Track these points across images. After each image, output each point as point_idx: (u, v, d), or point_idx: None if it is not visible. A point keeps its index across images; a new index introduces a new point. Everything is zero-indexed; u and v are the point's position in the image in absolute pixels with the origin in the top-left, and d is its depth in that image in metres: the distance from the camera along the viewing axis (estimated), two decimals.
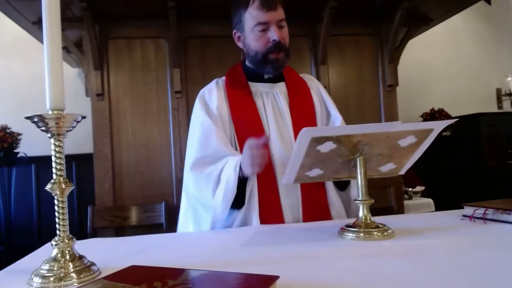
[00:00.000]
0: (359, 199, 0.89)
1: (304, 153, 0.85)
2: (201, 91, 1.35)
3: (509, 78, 4.45)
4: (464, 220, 0.97)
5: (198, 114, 1.29)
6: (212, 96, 1.30)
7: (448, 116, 3.81)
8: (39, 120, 0.64)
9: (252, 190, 1.17)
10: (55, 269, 0.63)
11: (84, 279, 0.62)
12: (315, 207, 1.21)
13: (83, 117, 0.68)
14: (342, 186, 1.27)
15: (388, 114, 2.92)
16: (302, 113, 1.29)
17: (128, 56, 2.69)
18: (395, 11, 2.71)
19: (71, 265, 0.64)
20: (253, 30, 1.22)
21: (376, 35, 2.96)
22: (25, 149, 3.24)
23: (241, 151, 1.18)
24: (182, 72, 2.69)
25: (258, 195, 1.17)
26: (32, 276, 0.63)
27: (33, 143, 3.23)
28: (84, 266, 0.65)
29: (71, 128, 0.67)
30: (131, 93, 2.67)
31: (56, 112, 0.65)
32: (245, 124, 1.24)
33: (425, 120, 3.81)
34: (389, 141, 0.87)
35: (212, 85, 1.34)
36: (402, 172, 1.00)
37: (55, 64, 0.66)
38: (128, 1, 2.42)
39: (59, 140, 0.66)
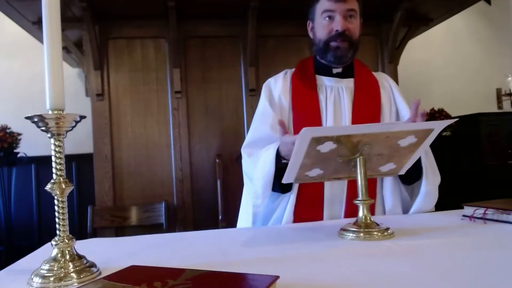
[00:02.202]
0: (359, 199, 0.89)
1: (304, 153, 0.85)
2: (269, 79, 1.39)
3: (509, 78, 4.45)
4: (464, 220, 0.97)
5: (261, 99, 1.34)
6: (277, 84, 1.33)
7: (448, 116, 3.81)
8: (39, 120, 0.64)
9: (294, 184, 1.18)
10: (55, 269, 0.63)
11: (84, 279, 0.62)
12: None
13: (83, 117, 0.68)
14: (410, 179, 1.21)
15: None
16: (365, 110, 1.27)
17: (128, 56, 2.69)
18: (395, 11, 2.71)
19: (71, 265, 0.64)
20: (320, 18, 1.25)
21: (376, 35, 2.96)
22: (25, 149, 3.24)
23: None
24: (182, 72, 2.70)
25: (299, 188, 1.18)
26: (32, 276, 0.63)
27: (33, 143, 3.23)
28: (84, 266, 0.65)
29: (71, 128, 0.67)
30: (131, 93, 2.68)
31: (56, 112, 0.65)
32: (303, 115, 1.25)
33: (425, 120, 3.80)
34: (389, 141, 0.87)
35: (280, 74, 1.37)
36: (402, 172, 1.00)
37: (55, 64, 0.66)
38: (128, 1, 2.42)
39: (59, 140, 0.66)
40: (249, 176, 1.27)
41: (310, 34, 1.34)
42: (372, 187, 1.22)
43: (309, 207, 1.18)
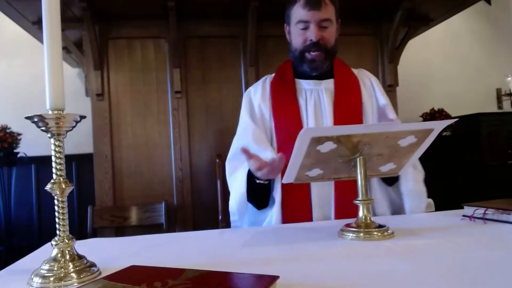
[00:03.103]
0: (359, 199, 0.89)
1: (304, 153, 0.85)
2: (249, 88, 1.39)
3: (509, 78, 4.45)
4: (464, 220, 0.97)
5: (242, 111, 1.35)
6: (257, 93, 1.33)
7: (448, 116, 3.81)
8: (39, 120, 0.64)
9: (276, 189, 1.19)
10: (55, 269, 0.63)
11: (84, 279, 0.62)
12: (348, 205, 1.18)
13: (83, 117, 0.68)
14: (390, 180, 1.22)
15: None
16: (346, 111, 1.27)
17: (128, 56, 2.69)
18: (395, 11, 2.71)
19: (71, 265, 0.64)
20: (295, 27, 1.25)
21: (376, 35, 2.96)
22: (25, 149, 3.24)
23: (279, 149, 1.22)
24: (182, 72, 2.69)
25: (283, 192, 1.18)
26: (32, 276, 0.63)
27: (33, 143, 3.23)
28: (84, 266, 0.65)
29: (71, 128, 0.67)
30: (131, 93, 2.67)
31: (56, 112, 0.65)
32: (284, 122, 1.26)
33: (425, 120, 3.81)
34: (389, 141, 0.87)
35: (260, 82, 1.37)
36: (402, 172, 1.00)
37: (55, 64, 0.66)
38: (128, 1, 2.42)
39: (59, 140, 0.66)
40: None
41: (288, 37, 1.34)
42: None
43: (297, 211, 1.18)
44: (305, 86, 1.30)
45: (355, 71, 1.38)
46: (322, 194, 1.19)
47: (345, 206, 1.17)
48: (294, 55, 1.29)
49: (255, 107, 1.31)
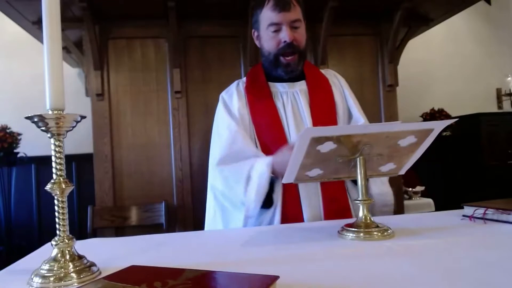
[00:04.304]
0: (359, 199, 0.89)
1: (304, 153, 0.85)
2: (221, 95, 1.35)
3: (509, 78, 4.45)
4: (464, 220, 0.97)
5: (222, 116, 1.29)
6: (233, 100, 1.31)
7: (448, 116, 3.81)
8: (39, 120, 0.64)
9: (277, 191, 1.19)
10: (55, 269, 0.63)
11: (84, 279, 0.62)
12: (335, 206, 1.20)
13: (83, 117, 0.68)
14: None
15: (388, 114, 2.92)
16: (323, 112, 1.27)
17: (128, 56, 2.69)
18: (395, 11, 2.71)
19: (71, 265, 0.64)
20: (267, 31, 1.24)
21: (376, 35, 2.96)
22: (25, 149, 3.24)
23: (263, 152, 1.21)
24: (182, 72, 2.69)
25: (281, 195, 1.18)
26: (32, 276, 0.63)
27: (33, 143, 3.23)
28: (84, 266, 0.65)
29: (71, 128, 0.67)
30: (131, 93, 2.68)
31: (56, 112, 0.65)
32: (265, 126, 1.25)
33: (425, 120, 3.81)
34: (389, 141, 0.87)
35: (232, 88, 1.34)
36: (402, 172, 1.00)
37: (55, 64, 0.66)
38: (128, 1, 2.42)
39: (59, 140, 0.66)
40: (230, 197, 1.21)
41: (257, 43, 1.33)
42: (342, 192, 1.24)
43: (291, 215, 1.18)
44: (280, 89, 1.31)
45: (322, 71, 1.39)
46: (311, 197, 1.20)
47: (333, 209, 1.19)
48: (268, 59, 1.28)
49: (234, 112, 1.28)
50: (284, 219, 1.17)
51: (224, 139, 1.24)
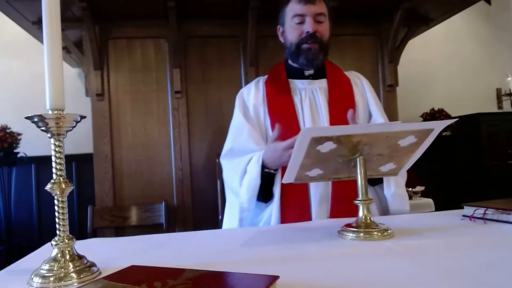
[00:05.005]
0: (359, 199, 0.89)
1: (304, 153, 0.85)
2: (241, 89, 1.41)
3: (509, 78, 4.45)
4: (464, 220, 0.97)
5: (235, 111, 1.36)
6: (250, 94, 1.35)
7: (448, 116, 3.81)
8: (39, 120, 0.64)
9: (276, 188, 1.19)
10: (55, 269, 0.63)
11: (84, 279, 0.62)
12: (344, 204, 1.19)
13: (83, 117, 0.68)
14: (373, 181, 1.24)
15: (388, 114, 2.87)
16: (341, 109, 1.27)
17: (128, 56, 2.69)
18: (395, 11, 2.71)
19: (71, 265, 0.64)
20: (291, 22, 1.27)
21: (376, 35, 2.96)
22: (25, 149, 3.24)
23: None
24: (182, 72, 2.70)
25: (282, 192, 1.19)
26: (32, 276, 0.63)
27: (33, 143, 3.23)
28: (84, 266, 0.65)
29: (71, 128, 0.67)
30: (131, 93, 2.68)
31: (56, 112, 0.65)
32: (281, 120, 1.26)
33: (425, 120, 3.81)
34: (389, 141, 0.87)
35: (252, 83, 1.39)
36: (402, 172, 1.00)
37: (55, 64, 0.66)
38: (128, 1, 2.42)
39: (59, 140, 0.66)
40: (232, 189, 1.27)
41: (281, 39, 1.36)
42: (353, 192, 1.23)
43: (296, 210, 1.18)
44: (299, 85, 1.32)
45: (345, 72, 1.41)
46: (321, 193, 1.20)
47: (341, 206, 1.18)
48: (290, 50, 1.31)
49: (249, 108, 1.32)
50: (291, 214, 1.17)
51: (232, 132, 1.33)
